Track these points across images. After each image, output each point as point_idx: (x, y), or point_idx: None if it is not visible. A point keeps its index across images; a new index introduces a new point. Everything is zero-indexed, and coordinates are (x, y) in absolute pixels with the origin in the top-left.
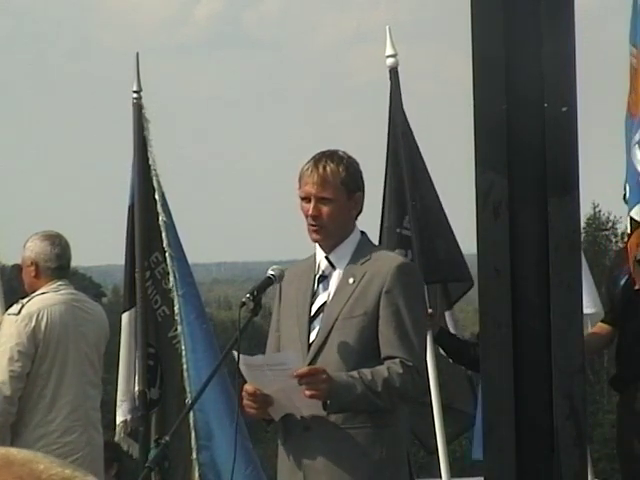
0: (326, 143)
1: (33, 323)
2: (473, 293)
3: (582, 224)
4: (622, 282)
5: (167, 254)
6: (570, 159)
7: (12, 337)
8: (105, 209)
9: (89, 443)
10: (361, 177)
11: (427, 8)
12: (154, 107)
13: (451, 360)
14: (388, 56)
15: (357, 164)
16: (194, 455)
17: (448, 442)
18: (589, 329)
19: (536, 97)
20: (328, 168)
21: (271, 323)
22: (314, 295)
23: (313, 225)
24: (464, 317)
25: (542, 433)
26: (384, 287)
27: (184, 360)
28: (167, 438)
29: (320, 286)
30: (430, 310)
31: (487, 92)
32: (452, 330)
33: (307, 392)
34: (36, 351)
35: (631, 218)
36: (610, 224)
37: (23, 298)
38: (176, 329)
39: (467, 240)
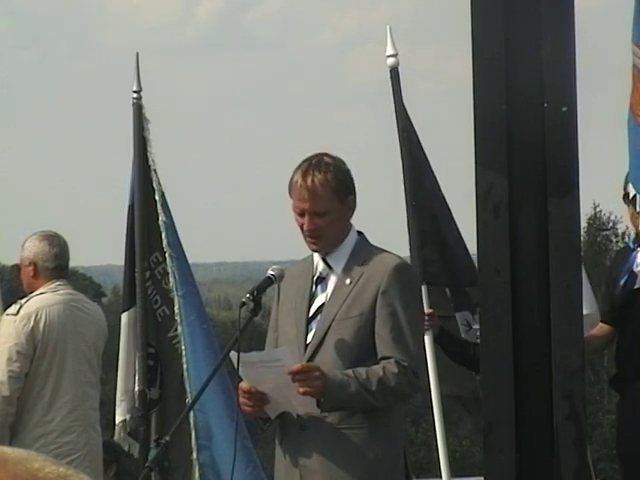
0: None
1: (31, 323)
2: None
3: (583, 224)
4: (622, 282)
5: (167, 254)
6: (570, 159)
7: (10, 337)
8: (105, 209)
9: (88, 443)
10: (350, 178)
11: (428, 8)
12: (154, 107)
13: (452, 360)
14: (389, 56)
15: (344, 165)
16: (194, 455)
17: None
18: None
19: (536, 97)
20: (317, 180)
21: (270, 323)
22: (312, 297)
23: (311, 238)
24: None
25: (542, 433)
26: (380, 288)
27: (184, 360)
28: (167, 438)
29: (318, 288)
30: (430, 310)
31: (487, 92)
32: (463, 332)
33: (300, 389)
34: (34, 351)
35: None
36: (610, 224)
37: (22, 298)
38: (176, 329)
39: (467, 240)
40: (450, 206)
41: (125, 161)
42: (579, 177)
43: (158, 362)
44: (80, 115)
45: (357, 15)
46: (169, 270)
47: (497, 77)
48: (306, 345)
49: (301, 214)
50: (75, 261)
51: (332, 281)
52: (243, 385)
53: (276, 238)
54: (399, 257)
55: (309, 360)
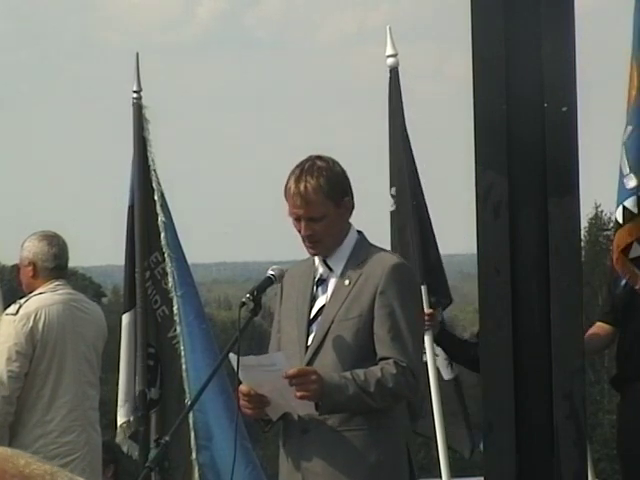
0: (326, 143)
1: (31, 323)
2: (473, 293)
3: (584, 224)
4: (623, 282)
5: (166, 254)
6: (570, 159)
7: (10, 337)
8: (105, 209)
9: (87, 443)
10: (345, 180)
11: (428, 8)
12: (154, 107)
13: (451, 360)
14: (388, 56)
15: (337, 167)
16: (194, 455)
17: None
18: None
19: (536, 97)
20: (309, 186)
21: (273, 324)
22: (313, 299)
23: (309, 243)
24: (464, 317)
25: (542, 433)
26: (378, 288)
27: (183, 361)
28: (167, 438)
29: (319, 289)
30: (430, 310)
31: (487, 92)
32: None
33: (297, 393)
34: (34, 351)
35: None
36: (612, 224)
37: (21, 298)
38: (176, 329)
39: (467, 240)
40: (450, 206)
41: (125, 161)
42: (579, 177)
43: (158, 362)
44: (80, 115)
45: (357, 15)
46: (168, 270)
47: (497, 77)
48: (307, 347)
49: (297, 219)
50: (75, 261)
51: (332, 282)
52: (243, 388)
53: (276, 238)
54: (397, 256)
55: (309, 362)
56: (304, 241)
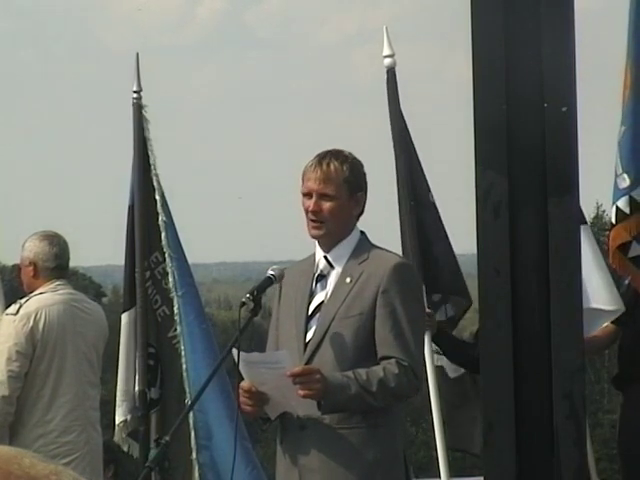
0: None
1: (31, 323)
2: (473, 293)
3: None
4: (626, 282)
5: (167, 254)
6: (570, 159)
7: (10, 337)
8: (105, 209)
9: (88, 443)
10: (364, 178)
11: (428, 8)
12: (154, 107)
13: (450, 360)
14: (386, 56)
15: (362, 166)
16: (194, 455)
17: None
18: (597, 325)
19: (536, 97)
20: (332, 165)
21: (271, 322)
22: (312, 294)
23: (313, 221)
24: (464, 317)
25: (542, 433)
26: (380, 287)
27: (183, 360)
28: (167, 438)
29: (318, 285)
30: (429, 310)
31: (487, 92)
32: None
33: (301, 392)
34: (34, 351)
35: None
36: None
37: (22, 298)
38: (176, 329)
39: (467, 240)
40: (450, 206)
41: (125, 161)
42: (579, 177)
43: (158, 362)
44: (80, 115)
45: (358, 15)
46: (168, 270)
47: (497, 77)
48: (306, 343)
49: (309, 195)
50: (75, 261)
51: (332, 279)
52: (244, 384)
53: (276, 238)
54: (400, 256)
55: (309, 359)
56: (308, 221)
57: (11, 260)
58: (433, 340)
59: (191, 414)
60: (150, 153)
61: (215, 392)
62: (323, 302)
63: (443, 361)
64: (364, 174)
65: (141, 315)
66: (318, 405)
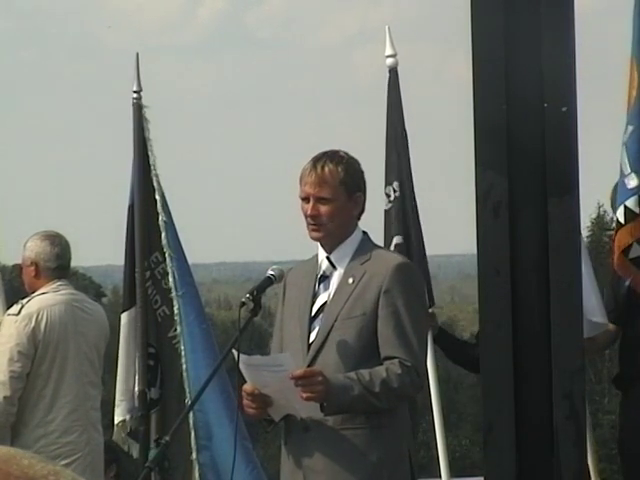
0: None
1: (33, 323)
2: (473, 293)
3: (587, 224)
4: (627, 283)
5: (167, 254)
6: (570, 159)
7: (12, 337)
8: (105, 209)
9: (89, 443)
10: (362, 178)
11: (429, 8)
12: (154, 107)
13: (451, 360)
14: (387, 56)
15: (358, 165)
16: (194, 455)
17: None
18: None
19: (536, 97)
20: (327, 168)
21: (275, 323)
22: (315, 295)
23: (312, 224)
24: (464, 317)
25: (542, 433)
26: (383, 287)
27: (183, 360)
28: (167, 438)
29: (321, 286)
30: (430, 310)
31: (487, 92)
32: None
33: (303, 394)
34: (36, 351)
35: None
36: (614, 224)
37: (23, 298)
38: (176, 329)
39: (467, 240)
40: (450, 206)
41: (125, 161)
42: (579, 177)
43: (158, 362)
44: (80, 115)
45: (359, 15)
46: (169, 270)
47: (497, 77)
48: (309, 344)
49: (306, 199)
50: (75, 261)
51: (335, 280)
52: (247, 387)
53: (276, 238)
54: (402, 256)
55: (312, 359)
56: (308, 223)
57: (11, 260)
58: (434, 340)
59: (191, 414)
60: (150, 153)
61: (215, 392)
62: (326, 303)
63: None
64: (361, 173)
65: (141, 315)
66: (321, 407)
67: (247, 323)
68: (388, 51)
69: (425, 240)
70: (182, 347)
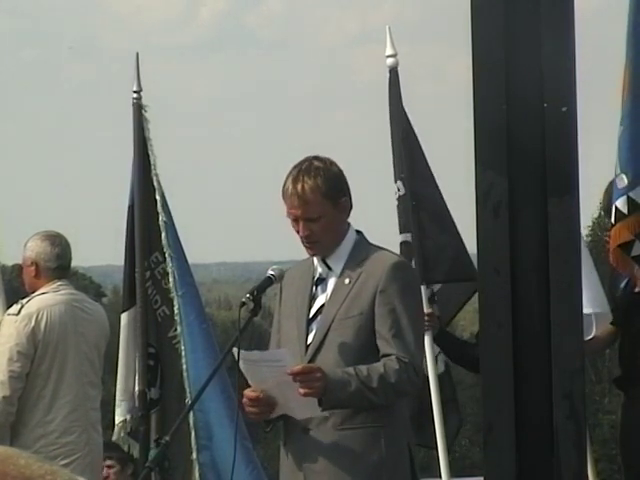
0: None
1: (32, 323)
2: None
3: (588, 223)
4: (622, 285)
5: (167, 254)
6: (570, 159)
7: (11, 337)
8: (105, 209)
9: (88, 443)
10: (342, 179)
11: (429, 8)
12: (154, 107)
13: (451, 360)
14: (388, 56)
15: (335, 167)
16: (194, 455)
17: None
18: (593, 328)
19: (536, 97)
20: (306, 186)
21: (273, 324)
22: (313, 298)
23: (307, 243)
24: (464, 317)
25: (542, 433)
26: (379, 286)
27: (183, 360)
28: (167, 438)
29: (319, 288)
30: (429, 310)
31: (487, 92)
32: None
33: (301, 390)
34: (35, 351)
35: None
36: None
37: (23, 298)
38: (176, 329)
39: (467, 240)
40: (450, 206)
41: (125, 161)
42: (579, 177)
43: (158, 362)
44: (80, 115)
45: (359, 15)
46: (169, 270)
47: (497, 77)
48: (307, 346)
49: (295, 220)
50: (75, 261)
51: (332, 281)
52: (250, 394)
53: (276, 238)
54: (397, 255)
55: (310, 360)
56: (303, 242)
57: (11, 260)
58: (434, 340)
59: (191, 414)
60: (150, 153)
61: (215, 392)
62: (324, 304)
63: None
64: (341, 175)
65: (141, 315)
66: (319, 402)
67: (247, 323)
68: (388, 51)
69: None
70: (182, 347)
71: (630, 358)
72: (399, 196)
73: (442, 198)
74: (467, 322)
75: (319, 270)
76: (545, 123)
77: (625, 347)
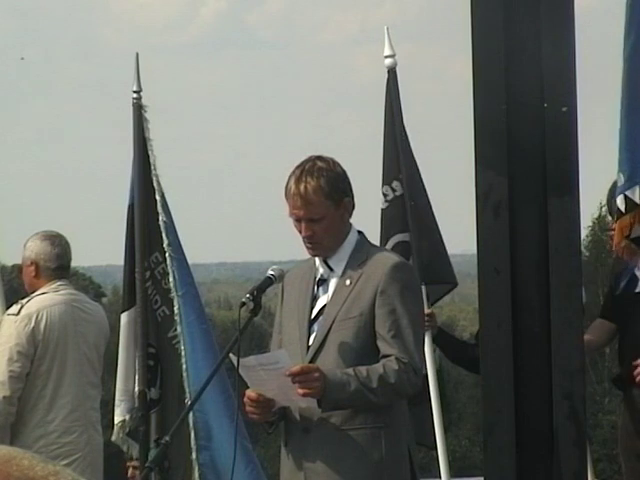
0: (327, 143)
1: (32, 324)
2: (473, 293)
3: (589, 223)
4: (623, 284)
5: (167, 254)
6: (570, 159)
7: (11, 337)
8: (105, 209)
9: (88, 443)
10: (346, 179)
11: (429, 8)
12: (154, 107)
13: (451, 360)
14: (386, 56)
15: (338, 167)
16: (194, 455)
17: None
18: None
19: (536, 97)
20: (309, 187)
21: (274, 324)
22: (315, 298)
23: (309, 243)
24: (464, 317)
25: (542, 433)
26: (379, 287)
27: (183, 361)
28: (167, 438)
29: (320, 289)
30: (429, 310)
31: (487, 92)
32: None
33: (300, 390)
34: (35, 351)
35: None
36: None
37: (23, 298)
38: (176, 329)
39: (467, 240)
40: (450, 206)
41: (125, 161)
42: (579, 177)
43: (158, 362)
44: (80, 115)
45: (360, 15)
46: (169, 270)
47: (497, 77)
48: (308, 346)
49: (297, 220)
50: (75, 261)
51: (333, 282)
52: (250, 394)
53: (276, 238)
54: (398, 256)
55: (311, 361)
56: (305, 242)
57: (11, 260)
58: (434, 341)
59: (191, 414)
60: (150, 153)
61: (215, 392)
62: (325, 305)
63: None
64: (344, 175)
65: (141, 315)
66: (318, 403)
67: (247, 323)
68: (387, 51)
69: None
70: (182, 347)
71: (631, 357)
72: (394, 196)
73: (429, 202)
74: (467, 322)
75: (320, 271)
76: (545, 123)
77: (625, 347)
